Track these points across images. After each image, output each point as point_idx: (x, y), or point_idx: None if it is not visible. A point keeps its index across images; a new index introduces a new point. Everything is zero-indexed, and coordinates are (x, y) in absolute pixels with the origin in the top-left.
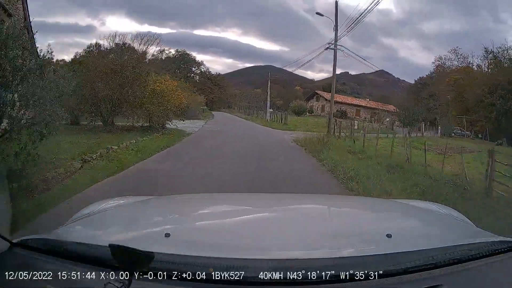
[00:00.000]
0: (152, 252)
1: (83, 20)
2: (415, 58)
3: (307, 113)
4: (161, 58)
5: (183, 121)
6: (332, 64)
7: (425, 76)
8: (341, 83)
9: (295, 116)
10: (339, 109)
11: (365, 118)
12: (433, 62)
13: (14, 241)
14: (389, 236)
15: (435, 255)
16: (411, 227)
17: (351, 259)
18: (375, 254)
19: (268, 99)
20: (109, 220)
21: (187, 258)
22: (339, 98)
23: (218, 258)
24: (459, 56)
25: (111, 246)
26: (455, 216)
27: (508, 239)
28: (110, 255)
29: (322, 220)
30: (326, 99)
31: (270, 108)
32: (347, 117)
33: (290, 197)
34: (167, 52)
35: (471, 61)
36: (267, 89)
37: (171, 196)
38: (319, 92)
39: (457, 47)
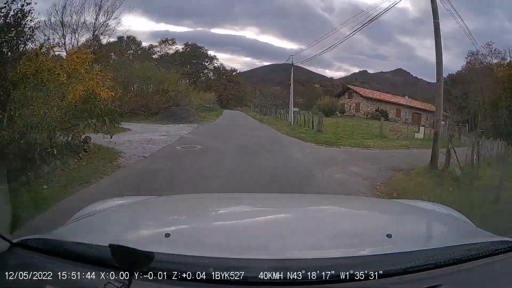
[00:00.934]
0: (152, 252)
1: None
2: (432, 57)
3: (337, 113)
4: (167, 53)
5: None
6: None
7: (454, 73)
8: (360, 81)
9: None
10: (377, 108)
11: (406, 120)
12: (466, 57)
13: (14, 241)
14: (389, 236)
15: (435, 255)
16: (411, 227)
17: (351, 259)
18: (375, 254)
19: (292, 94)
20: (109, 220)
21: (187, 258)
22: (376, 95)
23: (218, 258)
24: (493, 51)
25: (111, 246)
26: (455, 216)
27: (508, 239)
28: (110, 255)
29: (322, 220)
30: (362, 96)
31: (294, 107)
32: (388, 118)
33: (290, 197)
34: (170, 47)
35: (505, 56)
36: (286, 87)
37: (171, 196)
38: (352, 87)
39: (490, 41)
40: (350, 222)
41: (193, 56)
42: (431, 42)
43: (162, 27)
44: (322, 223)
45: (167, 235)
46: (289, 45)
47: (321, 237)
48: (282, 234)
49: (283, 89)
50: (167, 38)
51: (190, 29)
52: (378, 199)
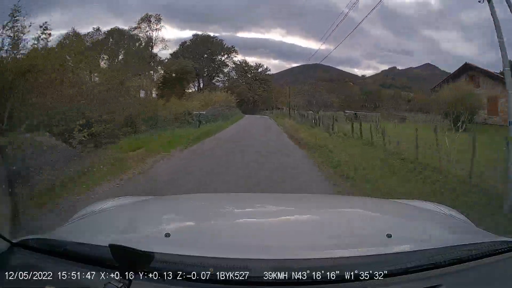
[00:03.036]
0: (152, 252)
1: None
2: (457, 50)
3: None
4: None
5: None
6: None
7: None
8: (390, 77)
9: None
10: None
11: None
12: None
13: (14, 241)
14: (389, 236)
15: (435, 255)
16: (411, 227)
17: (354, 259)
18: (375, 254)
19: None
20: (109, 220)
21: (187, 258)
22: None
23: (219, 258)
24: None
25: (111, 246)
26: (455, 216)
27: (509, 239)
28: (110, 255)
29: (322, 220)
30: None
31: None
32: None
33: (291, 198)
34: (156, 27)
35: None
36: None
37: (171, 196)
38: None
39: None
40: (350, 222)
41: (204, 50)
42: (455, 35)
43: (187, 33)
44: (323, 223)
45: (167, 235)
46: (315, 45)
47: (323, 237)
48: (283, 234)
49: (315, 89)
50: (148, 14)
51: (216, 34)
52: (378, 199)
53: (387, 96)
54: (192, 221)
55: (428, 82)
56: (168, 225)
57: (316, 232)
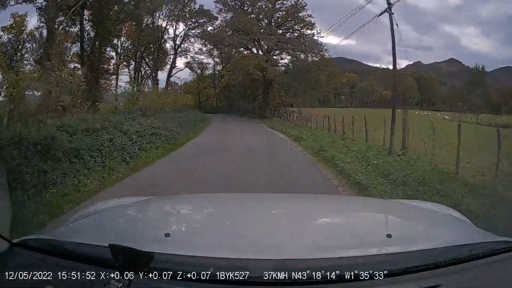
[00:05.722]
0: (152, 252)
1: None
2: (476, 46)
3: None
4: None
5: None
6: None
7: None
8: (423, 71)
9: None
10: None
11: None
12: None
13: (14, 241)
14: (389, 236)
15: (435, 255)
16: (411, 227)
17: (354, 259)
18: (375, 254)
19: None
20: (109, 220)
21: (187, 258)
22: None
23: (219, 258)
24: None
25: (111, 246)
26: (455, 216)
27: (509, 239)
28: (110, 255)
29: (322, 220)
30: None
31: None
32: None
33: (290, 197)
34: None
35: None
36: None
37: (171, 196)
38: None
39: None
40: (350, 222)
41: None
42: (473, 30)
43: None
44: (323, 223)
45: (167, 235)
46: (336, 40)
47: (323, 237)
48: (283, 234)
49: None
50: None
51: None
52: (378, 199)
53: (445, 91)
54: (192, 221)
55: (457, 78)
56: (168, 225)
57: (316, 232)
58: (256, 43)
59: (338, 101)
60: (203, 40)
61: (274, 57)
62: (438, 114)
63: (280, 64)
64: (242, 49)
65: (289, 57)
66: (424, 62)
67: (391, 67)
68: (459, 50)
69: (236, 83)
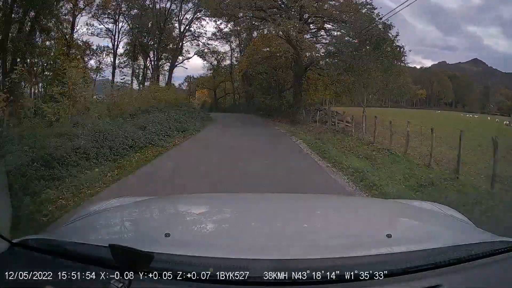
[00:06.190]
0: (152, 252)
1: None
2: (499, 47)
3: None
4: None
5: None
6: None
7: None
8: (454, 71)
9: None
10: None
11: None
12: None
13: (14, 241)
14: (389, 236)
15: (435, 255)
16: (411, 227)
17: (352, 259)
18: (375, 254)
19: None
20: (109, 220)
21: (187, 258)
22: None
23: (219, 258)
24: None
25: (111, 246)
26: (455, 216)
27: (508, 239)
28: (110, 255)
29: (322, 220)
30: None
31: None
32: None
33: (291, 197)
34: None
35: None
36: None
37: (171, 196)
38: None
39: None
40: (350, 222)
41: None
42: (496, 30)
43: None
44: (323, 223)
45: (167, 235)
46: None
47: (323, 237)
48: (283, 234)
49: None
50: None
51: None
52: (378, 199)
53: (480, 92)
54: (192, 221)
55: (482, 79)
56: (168, 225)
57: (316, 232)
58: (281, 8)
59: (370, 100)
60: (208, 10)
61: (311, 27)
62: (489, 118)
63: (321, 43)
64: (261, 23)
65: (335, 32)
66: (449, 62)
67: (418, 66)
68: (483, 51)
69: (255, 72)
